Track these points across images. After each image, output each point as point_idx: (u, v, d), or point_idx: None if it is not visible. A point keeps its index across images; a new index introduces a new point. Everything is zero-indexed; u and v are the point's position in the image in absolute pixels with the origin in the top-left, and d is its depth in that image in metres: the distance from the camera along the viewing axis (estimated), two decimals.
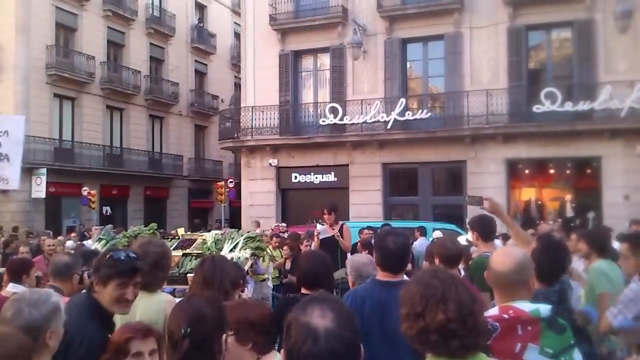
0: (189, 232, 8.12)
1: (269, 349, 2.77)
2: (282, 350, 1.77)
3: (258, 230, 9.59)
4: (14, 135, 9.32)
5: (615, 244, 6.86)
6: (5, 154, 9.20)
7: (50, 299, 2.64)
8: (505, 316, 2.55)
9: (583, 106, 17.64)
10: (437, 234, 10.30)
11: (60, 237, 13.55)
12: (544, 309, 2.60)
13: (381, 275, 3.70)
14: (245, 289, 5.43)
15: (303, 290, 4.28)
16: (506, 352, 2.47)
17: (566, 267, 4.18)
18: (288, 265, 10.22)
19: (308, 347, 1.67)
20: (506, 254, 2.81)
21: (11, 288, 5.26)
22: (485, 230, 5.21)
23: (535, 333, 2.54)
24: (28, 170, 21.20)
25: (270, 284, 9.84)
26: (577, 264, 6.70)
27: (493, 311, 2.63)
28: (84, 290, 3.39)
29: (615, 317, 4.31)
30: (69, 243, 12.64)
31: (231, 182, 24.89)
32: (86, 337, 2.78)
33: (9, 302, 2.58)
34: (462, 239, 6.37)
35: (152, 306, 3.70)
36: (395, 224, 13.33)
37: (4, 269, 6.37)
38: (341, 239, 8.07)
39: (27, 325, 2.49)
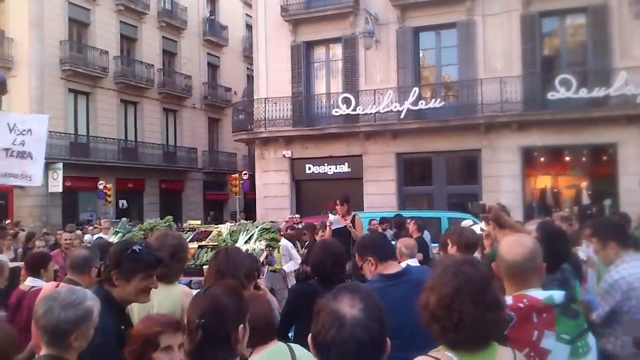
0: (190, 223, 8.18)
1: (265, 341, 2.80)
2: (309, 335, 1.82)
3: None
4: (37, 133, 9.48)
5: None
6: (29, 151, 9.36)
7: (84, 302, 2.62)
8: (521, 305, 2.56)
9: (598, 93, 17.46)
10: (467, 222, 10.23)
11: (78, 231, 13.70)
12: (558, 295, 2.61)
13: (384, 268, 3.71)
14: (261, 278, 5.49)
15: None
16: (524, 341, 2.50)
17: (567, 255, 4.13)
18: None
19: (333, 334, 1.71)
20: (517, 242, 2.78)
21: (30, 282, 5.34)
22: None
23: (551, 320, 2.55)
24: (44, 165, 21.34)
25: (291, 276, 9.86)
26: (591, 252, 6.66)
27: (507, 301, 2.60)
28: (97, 283, 3.41)
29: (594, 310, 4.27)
30: (87, 237, 12.80)
31: (245, 174, 24.97)
32: (100, 329, 2.82)
33: (43, 298, 2.61)
34: (477, 228, 6.34)
35: (170, 297, 3.75)
36: (409, 214, 13.33)
37: (22, 262, 6.46)
38: (353, 230, 8.08)
39: (56, 325, 2.53)
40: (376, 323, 1.75)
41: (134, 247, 3.12)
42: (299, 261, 9.73)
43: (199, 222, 9.19)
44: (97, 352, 2.75)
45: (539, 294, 2.62)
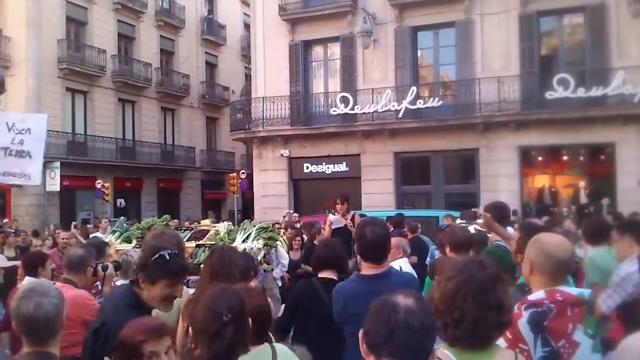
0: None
1: (259, 340, 2.77)
2: (360, 330, 1.84)
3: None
4: (36, 132, 9.46)
5: None
6: (27, 150, 9.35)
7: (52, 286, 2.74)
8: (559, 297, 2.68)
9: (596, 92, 17.48)
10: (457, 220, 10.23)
11: (72, 230, 13.66)
12: (586, 292, 2.77)
13: (365, 268, 3.66)
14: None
15: (320, 275, 4.47)
16: (561, 332, 2.63)
17: None
18: (297, 256, 10.15)
19: (385, 318, 1.76)
20: (562, 242, 2.88)
21: (27, 282, 5.33)
22: (498, 217, 5.17)
23: (581, 315, 2.69)
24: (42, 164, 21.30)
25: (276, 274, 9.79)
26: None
27: (539, 294, 2.72)
28: (128, 282, 3.37)
29: (605, 302, 4.31)
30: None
31: (243, 173, 24.93)
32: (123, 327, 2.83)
33: (21, 299, 2.60)
34: (471, 228, 6.33)
35: None
36: (407, 213, 13.33)
37: (18, 262, 6.45)
38: (354, 229, 8.05)
39: (54, 313, 2.57)
40: (428, 317, 1.81)
41: (161, 253, 3.11)
42: (286, 263, 9.66)
43: (208, 221, 9.23)
44: None
45: (570, 289, 2.77)
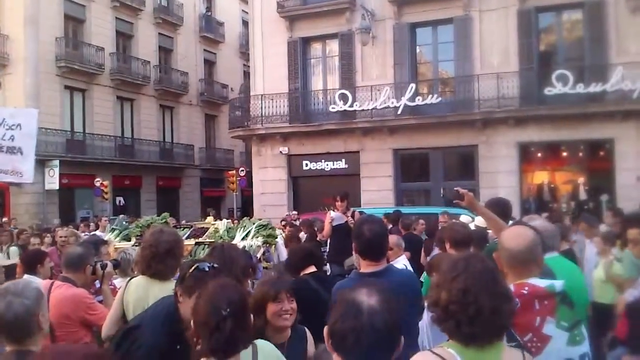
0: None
1: None
2: (325, 327, 1.85)
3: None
4: (27, 128, 9.33)
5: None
6: (19, 147, 9.23)
7: (32, 285, 2.70)
8: (524, 292, 2.63)
9: (595, 88, 17.47)
10: (465, 218, 10.18)
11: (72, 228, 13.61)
12: (558, 284, 2.69)
13: (364, 266, 3.64)
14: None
15: (304, 272, 4.60)
16: (527, 326, 2.59)
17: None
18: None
19: (350, 321, 1.75)
20: (518, 234, 2.85)
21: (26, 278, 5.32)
22: (499, 214, 5.13)
23: (552, 307, 2.64)
24: (41, 163, 21.31)
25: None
26: (589, 247, 6.82)
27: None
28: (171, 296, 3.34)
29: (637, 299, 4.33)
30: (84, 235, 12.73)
31: (242, 170, 24.92)
32: (149, 340, 2.82)
33: None
34: (472, 224, 6.32)
35: (165, 294, 3.71)
36: (406, 210, 13.33)
37: (16, 260, 6.45)
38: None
39: (24, 314, 2.53)
40: (392, 314, 1.79)
41: (199, 265, 3.09)
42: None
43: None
44: None
45: (539, 282, 2.70)
